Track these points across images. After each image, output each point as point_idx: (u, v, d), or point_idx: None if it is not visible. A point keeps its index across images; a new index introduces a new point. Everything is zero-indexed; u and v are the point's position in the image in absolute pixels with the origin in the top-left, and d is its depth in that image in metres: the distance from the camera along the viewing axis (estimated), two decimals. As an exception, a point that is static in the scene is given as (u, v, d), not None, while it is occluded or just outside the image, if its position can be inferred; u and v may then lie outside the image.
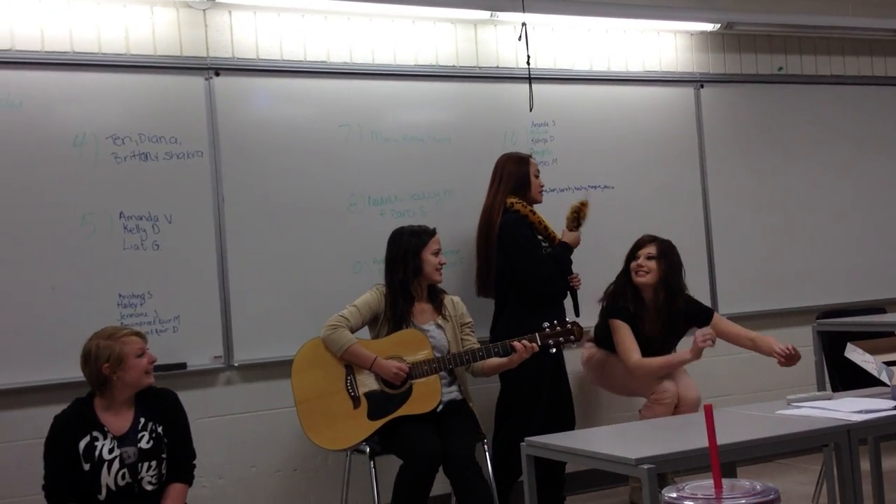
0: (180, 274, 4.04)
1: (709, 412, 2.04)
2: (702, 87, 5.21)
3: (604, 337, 4.37)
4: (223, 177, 4.13)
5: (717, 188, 5.20)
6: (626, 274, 4.28)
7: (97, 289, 3.88)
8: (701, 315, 4.27)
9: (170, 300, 4.01)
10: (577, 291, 4.30)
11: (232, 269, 4.12)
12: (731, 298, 5.17)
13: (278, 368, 4.09)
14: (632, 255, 4.29)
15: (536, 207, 4.27)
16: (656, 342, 4.25)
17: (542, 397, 4.13)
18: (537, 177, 4.29)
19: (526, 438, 2.85)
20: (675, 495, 1.86)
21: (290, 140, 4.27)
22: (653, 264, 4.20)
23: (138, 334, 3.37)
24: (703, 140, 5.19)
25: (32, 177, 3.83)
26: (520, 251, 4.12)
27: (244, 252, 4.15)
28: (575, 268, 4.28)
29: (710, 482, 1.89)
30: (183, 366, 3.99)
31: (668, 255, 4.24)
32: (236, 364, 4.11)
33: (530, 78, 4.58)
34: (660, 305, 4.21)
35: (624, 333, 4.19)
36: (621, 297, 4.25)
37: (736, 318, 5.09)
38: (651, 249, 4.23)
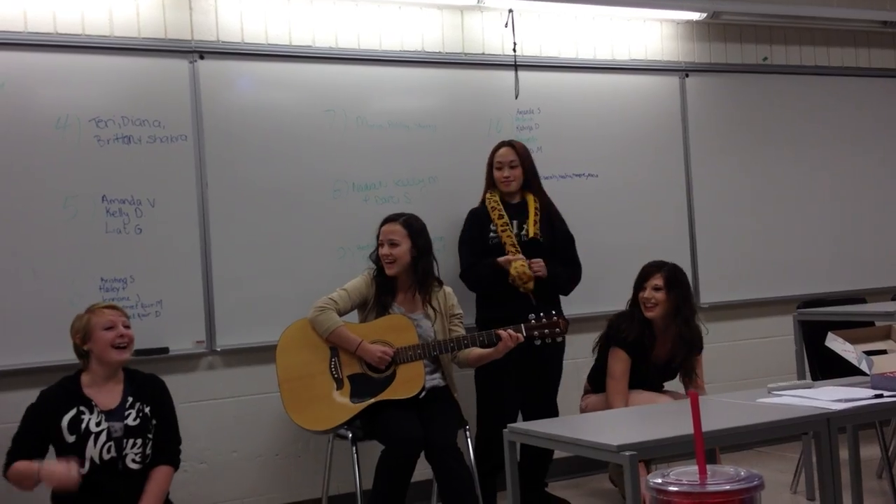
0: (163, 258, 4.02)
1: (695, 400, 2.06)
2: (687, 76, 5.22)
3: (599, 376, 4.22)
4: (207, 161, 4.11)
5: (700, 177, 5.22)
6: (634, 304, 4.15)
7: (79, 272, 3.86)
8: (694, 347, 4.19)
9: (152, 284, 3.99)
10: (547, 281, 4.22)
11: (215, 253, 4.11)
12: (712, 288, 5.19)
13: (261, 353, 4.09)
14: (639, 285, 4.16)
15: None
16: (663, 368, 4.20)
17: (510, 388, 4.14)
18: (500, 168, 4.27)
19: (509, 425, 2.86)
20: (660, 481, 1.87)
21: (274, 125, 4.25)
22: (661, 296, 4.07)
23: (114, 308, 3.39)
24: (687, 129, 5.20)
25: (14, 159, 3.80)
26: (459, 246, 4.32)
27: (228, 237, 4.13)
28: (558, 257, 4.30)
29: (694, 468, 1.90)
30: (165, 350, 3.98)
31: (675, 282, 4.10)
32: (219, 349, 4.10)
33: (516, 65, 4.57)
34: (671, 333, 4.11)
35: (619, 371, 4.05)
36: (630, 327, 4.09)
37: (718, 308, 5.14)
38: (658, 281, 4.08)
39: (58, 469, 3.11)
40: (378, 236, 3.91)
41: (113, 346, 3.33)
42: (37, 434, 3.22)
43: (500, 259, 4.14)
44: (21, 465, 3.16)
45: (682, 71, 5.21)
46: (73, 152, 3.88)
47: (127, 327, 3.38)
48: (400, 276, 3.87)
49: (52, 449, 3.24)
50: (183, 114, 4.08)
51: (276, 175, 4.24)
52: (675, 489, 1.85)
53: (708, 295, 5.14)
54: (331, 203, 4.34)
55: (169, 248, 4.04)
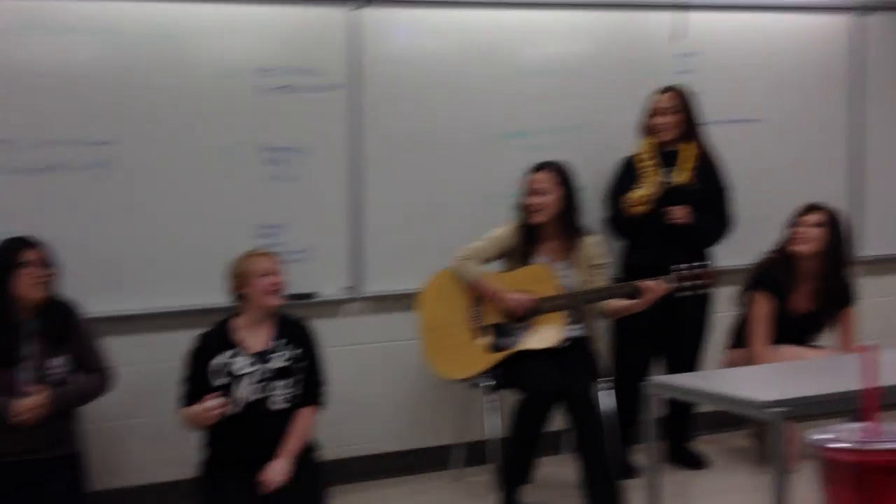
0: (315, 205, 4.11)
1: (872, 352, 1.91)
2: (866, 14, 4.83)
3: (743, 330, 4.06)
4: (362, 109, 4.15)
5: (877, 123, 4.85)
6: (780, 246, 3.97)
7: (237, 219, 3.99)
8: (843, 299, 3.96)
9: (304, 231, 4.09)
10: (688, 229, 4.04)
11: (366, 201, 4.16)
12: (882, 240, 4.89)
13: (406, 300, 4.11)
14: (794, 221, 3.97)
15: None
16: (806, 320, 4.00)
17: (648, 341, 4.05)
18: (658, 115, 4.10)
19: (649, 378, 2.78)
20: (825, 437, 1.76)
21: (428, 73, 4.24)
22: (817, 232, 3.88)
23: (270, 255, 3.52)
24: (864, 73, 4.83)
25: (180, 109, 3.91)
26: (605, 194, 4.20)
27: (378, 185, 4.18)
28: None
29: (848, 426, 1.78)
30: (314, 295, 4.09)
31: (835, 224, 3.91)
32: (366, 295, 4.18)
33: (676, 6, 4.36)
34: (818, 279, 3.91)
35: (761, 314, 3.90)
36: (772, 268, 3.94)
37: (883, 261, 4.83)
38: (818, 217, 3.89)
39: (200, 408, 3.26)
40: (526, 184, 3.85)
41: (268, 293, 3.45)
42: (197, 376, 3.38)
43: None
44: (187, 411, 3.34)
45: (860, 8, 4.83)
46: (235, 102, 3.98)
47: (281, 274, 3.50)
48: (545, 225, 3.81)
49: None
50: (340, 62, 4.12)
51: (429, 123, 4.24)
52: (842, 446, 1.72)
53: (877, 247, 4.84)
54: (481, 151, 4.31)
55: (322, 196, 4.12)
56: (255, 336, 3.48)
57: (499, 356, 3.68)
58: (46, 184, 3.73)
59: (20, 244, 3.34)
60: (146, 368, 3.89)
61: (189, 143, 3.94)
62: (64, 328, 3.38)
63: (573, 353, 3.71)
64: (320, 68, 4.09)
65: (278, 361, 3.43)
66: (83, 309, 3.50)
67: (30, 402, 3.21)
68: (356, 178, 4.15)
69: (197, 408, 3.27)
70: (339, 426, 4.12)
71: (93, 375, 3.43)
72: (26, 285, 3.29)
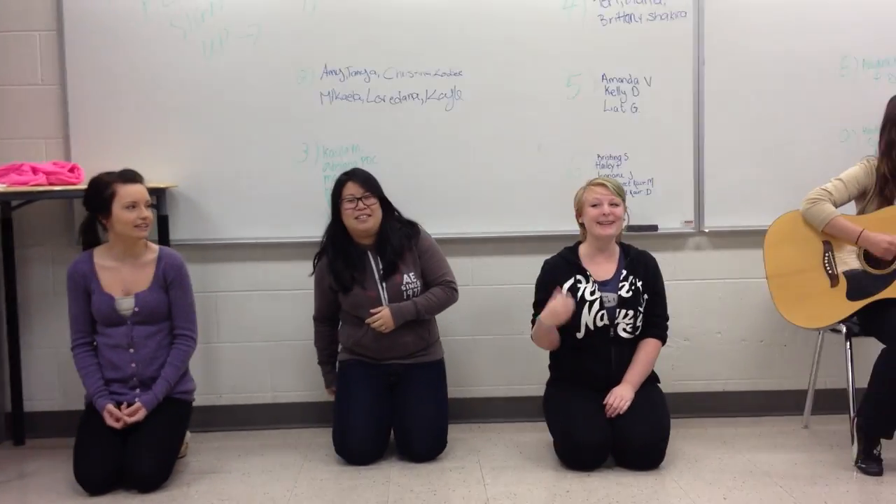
0: (656, 137, 4.06)
1: None
2: None
3: None
4: (705, 38, 4.02)
5: None
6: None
7: (578, 148, 4.04)
8: None
9: (645, 163, 4.06)
10: None
11: (708, 134, 4.05)
12: None
13: (749, 237, 4.01)
14: None
15: None
16: None
17: None
18: None
19: None
20: None
21: (776, -2, 4.03)
22: None
23: (603, 185, 3.55)
24: None
25: (527, 39, 4.02)
26: None
27: (722, 117, 4.05)
28: None
29: None
30: (655, 228, 4.07)
31: None
32: (706, 230, 4.09)
33: None
34: None
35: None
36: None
37: None
38: None
39: (555, 304, 3.41)
40: (889, 118, 3.55)
41: (597, 223, 3.49)
42: (546, 300, 3.49)
43: None
44: (540, 320, 3.49)
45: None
46: (579, 31, 4.01)
47: (615, 205, 3.51)
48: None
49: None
50: (680, -10, 4.02)
51: (777, 52, 4.03)
52: None
53: None
54: (836, 82, 4.03)
55: (662, 127, 4.06)
56: (602, 265, 3.55)
57: (858, 305, 3.46)
58: (403, 111, 3.99)
59: (344, 179, 3.65)
60: (494, 289, 4.10)
61: (534, 73, 4.02)
62: (405, 248, 3.65)
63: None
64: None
65: (623, 291, 3.48)
66: (429, 228, 3.76)
67: (380, 315, 3.59)
68: (697, 108, 4.04)
69: (551, 304, 3.40)
70: (680, 360, 4.13)
71: (438, 288, 3.68)
72: (349, 218, 3.60)
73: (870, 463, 3.37)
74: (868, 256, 3.52)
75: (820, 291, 3.55)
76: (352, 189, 3.61)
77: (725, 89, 4.04)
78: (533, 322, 3.55)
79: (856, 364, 3.58)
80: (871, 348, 3.42)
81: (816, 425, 3.96)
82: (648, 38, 4.03)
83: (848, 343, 3.59)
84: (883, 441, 3.38)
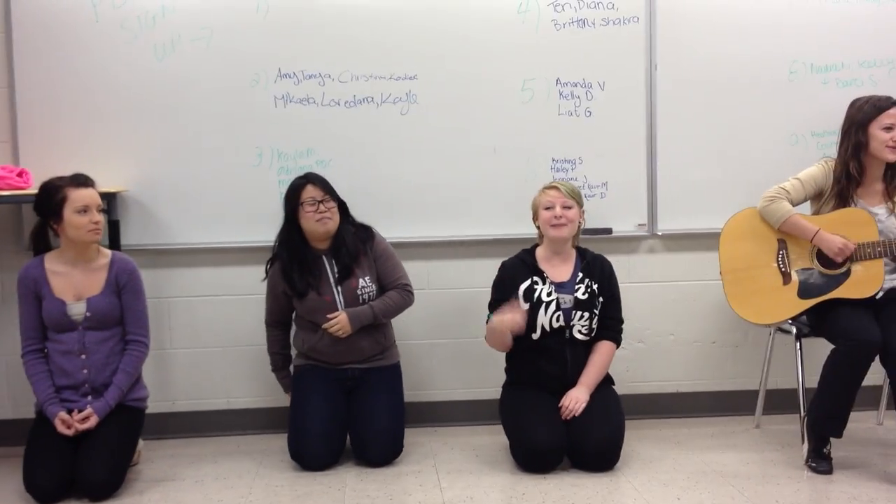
0: (610, 141, 4.09)
1: None
2: None
3: None
4: (657, 43, 4.07)
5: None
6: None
7: (534, 152, 4.06)
8: None
9: (599, 166, 4.09)
10: None
11: (661, 137, 4.09)
12: None
13: (702, 240, 4.06)
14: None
15: None
16: None
17: None
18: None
19: None
20: None
21: (725, 3, 4.07)
22: None
23: (556, 188, 3.57)
24: None
25: (481, 45, 4.03)
26: None
27: (674, 121, 4.09)
28: None
29: None
30: (609, 231, 4.10)
31: None
32: (660, 233, 4.13)
33: None
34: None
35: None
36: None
37: None
38: None
39: (507, 316, 3.41)
40: (866, 123, 3.50)
41: (550, 225, 3.53)
42: (502, 301, 3.52)
43: None
44: (492, 322, 3.49)
45: None
46: (533, 36, 4.03)
47: (567, 208, 3.54)
48: (877, 165, 3.55)
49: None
50: (633, -5, 4.06)
51: (727, 57, 4.08)
52: None
53: None
54: (785, 85, 4.10)
55: (616, 131, 4.09)
56: (558, 267, 3.57)
57: (808, 303, 3.52)
58: (358, 115, 3.98)
59: (302, 182, 3.64)
60: (450, 292, 4.11)
61: (489, 75, 4.03)
62: (361, 252, 3.65)
63: (892, 304, 3.47)
64: (617, 1, 4.04)
65: (579, 293, 3.51)
66: (384, 232, 3.76)
67: (337, 320, 3.57)
68: (650, 112, 4.09)
69: (501, 314, 3.42)
70: (634, 363, 4.17)
71: (394, 292, 3.68)
72: (310, 221, 3.59)
73: (820, 462, 3.43)
74: (821, 256, 3.58)
75: (772, 288, 3.60)
76: (312, 192, 3.60)
77: (678, 94, 4.09)
78: (487, 321, 3.56)
79: (806, 364, 3.65)
80: (821, 349, 3.48)
81: (768, 425, 4.02)
82: (602, 43, 4.06)
83: (798, 343, 3.65)
84: (832, 440, 3.45)
